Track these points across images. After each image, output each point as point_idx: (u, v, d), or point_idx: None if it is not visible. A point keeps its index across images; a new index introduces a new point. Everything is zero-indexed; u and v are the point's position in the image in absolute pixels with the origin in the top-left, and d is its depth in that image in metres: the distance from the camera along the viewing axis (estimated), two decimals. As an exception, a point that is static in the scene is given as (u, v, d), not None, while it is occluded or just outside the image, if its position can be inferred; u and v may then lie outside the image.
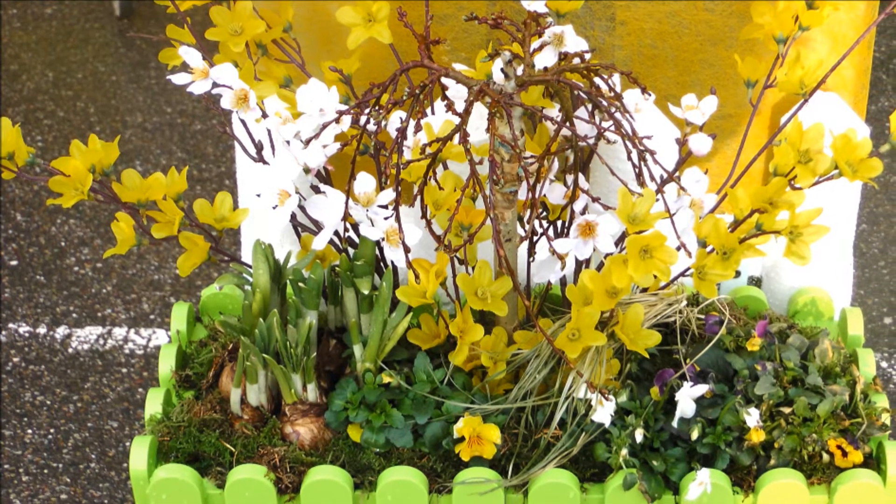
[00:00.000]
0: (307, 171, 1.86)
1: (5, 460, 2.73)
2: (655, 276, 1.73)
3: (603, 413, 1.81)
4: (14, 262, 3.18)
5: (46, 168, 1.84)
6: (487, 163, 1.76)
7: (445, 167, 1.91)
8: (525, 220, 1.86)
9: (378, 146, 1.89)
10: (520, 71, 1.75)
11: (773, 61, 1.89)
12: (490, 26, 1.76)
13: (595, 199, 1.81)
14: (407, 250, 1.79)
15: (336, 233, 1.89)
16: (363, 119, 1.78)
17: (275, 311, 1.85)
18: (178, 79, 1.87)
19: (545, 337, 1.78)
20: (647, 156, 1.73)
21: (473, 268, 1.84)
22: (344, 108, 1.81)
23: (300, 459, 1.86)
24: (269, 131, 1.96)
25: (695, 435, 1.83)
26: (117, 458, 2.74)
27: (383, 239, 1.81)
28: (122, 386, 2.88)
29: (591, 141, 1.83)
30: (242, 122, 1.93)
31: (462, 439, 1.83)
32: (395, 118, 1.88)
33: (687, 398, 1.82)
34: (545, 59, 1.78)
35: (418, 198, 1.80)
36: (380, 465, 1.86)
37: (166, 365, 2.00)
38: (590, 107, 1.84)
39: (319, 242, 1.81)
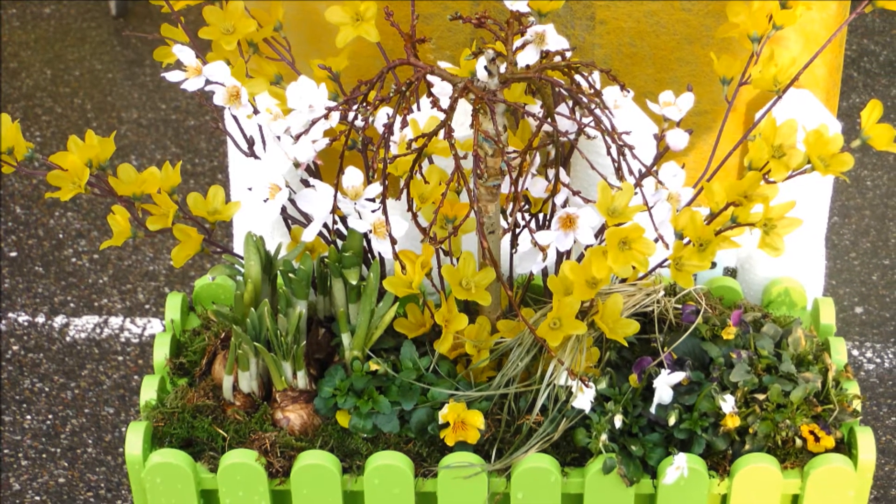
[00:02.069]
0: (297, 165, 1.87)
1: (5, 445, 2.73)
2: (634, 267, 1.73)
3: (583, 399, 1.81)
4: (13, 254, 3.18)
5: (45, 163, 1.85)
6: (471, 157, 1.77)
7: (431, 162, 1.91)
8: (508, 212, 1.86)
9: (366, 141, 1.90)
10: (503, 68, 1.75)
11: (747, 59, 1.89)
12: (474, 25, 1.77)
13: (575, 193, 1.81)
14: (393, 242, 1.81)
15: (325, 225, 1.90)
16: (351, 115, 1.78)
17: (266, 300, 1.86)
18: (173, 76, 1.87)
19: (527, 326, 1.78)
20: (626, 151, 1.74)
21: (458, 259, 1.84)
22: (333, 104, 1.81)
23: (290, 444, 1.86)
24: (260, 127, 1.97)
25: (672, 421, 1.83)
26: (113, 443, 2.74)
27: (371, 231, 1.82)
28: (118, 373, 2.88)
29: (572, 136, 1.84)
30: (234, 118, 1.93)
31: (447, 425, 1.83)
32: (382, 114, 1.88)
33: (664, 385, 1.83)
34: (527, 57, 1.79)
35: (404, 191, 1.80)
36: (367, 450, 1.86)
37: (161, 353, 2.00)
38: (570, 103, 1.84)
39: (309, 234, 1.82)
